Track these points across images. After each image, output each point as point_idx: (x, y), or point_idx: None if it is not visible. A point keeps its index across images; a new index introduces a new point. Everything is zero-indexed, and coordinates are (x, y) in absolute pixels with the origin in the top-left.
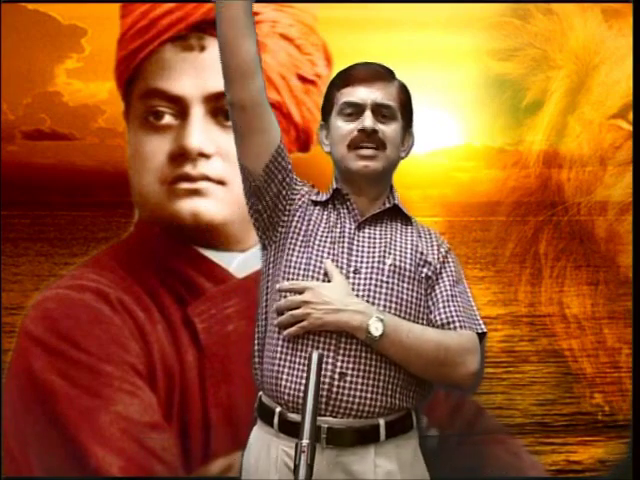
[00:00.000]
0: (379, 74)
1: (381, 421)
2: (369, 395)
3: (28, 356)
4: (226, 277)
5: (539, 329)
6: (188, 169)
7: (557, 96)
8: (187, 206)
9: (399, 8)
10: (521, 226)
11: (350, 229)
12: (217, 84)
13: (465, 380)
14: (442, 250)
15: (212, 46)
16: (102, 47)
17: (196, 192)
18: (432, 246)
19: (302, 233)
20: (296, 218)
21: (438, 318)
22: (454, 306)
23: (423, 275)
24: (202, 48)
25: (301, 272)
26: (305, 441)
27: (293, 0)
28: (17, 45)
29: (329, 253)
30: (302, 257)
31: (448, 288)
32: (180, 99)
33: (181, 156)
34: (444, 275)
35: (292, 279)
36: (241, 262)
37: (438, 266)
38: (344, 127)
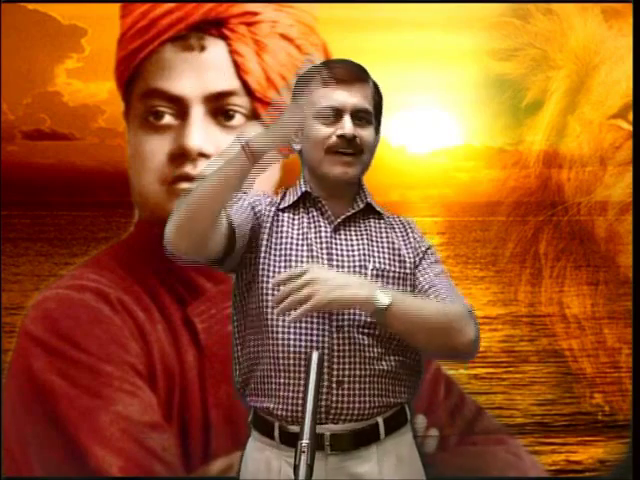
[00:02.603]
0: (358, 75)
1: (380, 420)
2: (367, 398)
3: (28, 356)
4: (226, 277)
5: (539, 329)
6: (188, 169)
7: (557, 96)
8: None
9: (399, 8)
10: (521, 226)
11: (326, 233)
12: (217, 84)
13: (465, 348)
14: (417, 238)
15: (212, 46)
16: (102, 47)
17: None
18: (407, 238)
19: (278, 248)
20: (266, 236)
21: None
22: (441, 286)
23: (408, 271)
24: (202, 48)
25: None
26: (305, 441)
27: (293, 0)
28: (17, 45)
29: (309, 260)
30: (283, 271)
31: (431, 273)
32: (180, 99)
33: (181, 156)
34: (425, 264)
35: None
36: None
37: (418, 256)
38: (322, 131)
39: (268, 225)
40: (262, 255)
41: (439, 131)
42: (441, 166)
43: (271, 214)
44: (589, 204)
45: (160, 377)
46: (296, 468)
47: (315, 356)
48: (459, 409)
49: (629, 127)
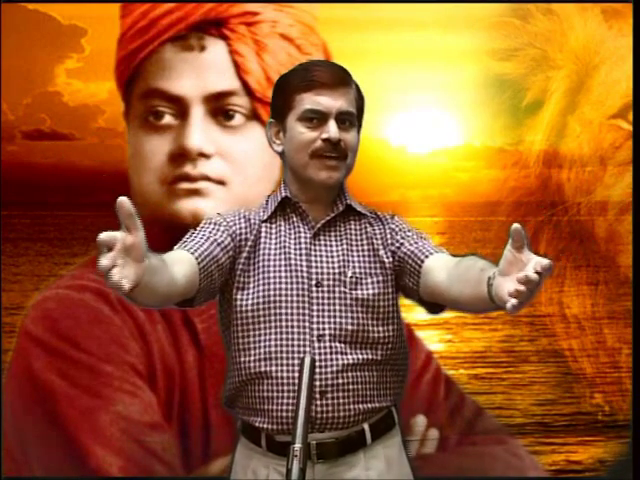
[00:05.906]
0: (342, 79)
1: (365, 426)
2: (351, 406)
3: (28, 356)
4: None
5: (539, 329)
6: (188, 169)
7: (557, 96)
8: (187, 206)
9: (399, 8)
10: None
11: (306, 239)
12: (217, 84)
13: None
14: (393, 229)
15: (212, 46)
16: (102, 47)
17: (196, 192)
18: (385, 234)
19: (256, 261)
20: (247, 249)
21: (426, 253)
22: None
23: (388, 272)
24: (202, 48)
25: (261, 300)
26: (298, 445)
27: (293, 0)
28: (17, 45)
29: (287, 268)
30: (259, 284)
31: (413, 238)
32: (180, 99)
33: (181, 156)
34: (403, 239)
35: (254, 308)
36: None
37: (396, 242)
38: (307, 135)
39: (252, 238)
40: (240, 267)
41: (439, 131)
42: (441, 166)
43: (254, 230)
44: (589, 204)
45: (160, 377)
46: (288, 472)
47: (307, 360)
48: (459, 409)
49: (629, 127)
